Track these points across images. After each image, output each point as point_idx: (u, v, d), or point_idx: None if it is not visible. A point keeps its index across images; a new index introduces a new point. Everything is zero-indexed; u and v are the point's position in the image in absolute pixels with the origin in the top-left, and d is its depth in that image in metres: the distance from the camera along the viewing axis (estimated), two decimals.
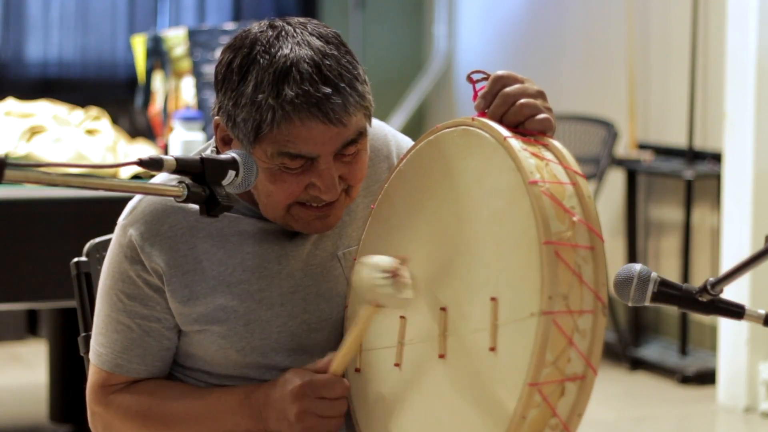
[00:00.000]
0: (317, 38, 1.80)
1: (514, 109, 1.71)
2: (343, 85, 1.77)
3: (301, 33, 1.80)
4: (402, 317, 1.78)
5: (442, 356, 1.69)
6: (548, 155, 1.66)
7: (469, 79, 1.78)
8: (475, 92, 1.76)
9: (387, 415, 1.79)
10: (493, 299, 1.61)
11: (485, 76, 1.77)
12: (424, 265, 1.75)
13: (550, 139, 1.70)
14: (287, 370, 1.85)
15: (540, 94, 1.74)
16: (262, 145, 1.79)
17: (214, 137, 1.91)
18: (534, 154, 1.64)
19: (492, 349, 1.60)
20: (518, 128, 1.70)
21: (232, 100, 1.80)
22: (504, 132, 1.67)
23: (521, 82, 1.74)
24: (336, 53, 1.79)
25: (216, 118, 1.86)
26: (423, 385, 1.73)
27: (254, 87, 1.77)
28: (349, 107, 1.78)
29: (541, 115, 1.71)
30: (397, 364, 1.78)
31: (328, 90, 1.76)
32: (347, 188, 1.85)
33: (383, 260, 1.72)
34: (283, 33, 1.80)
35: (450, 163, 1.75)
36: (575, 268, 1.57)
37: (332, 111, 1.76)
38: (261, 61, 1.78)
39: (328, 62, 1.77)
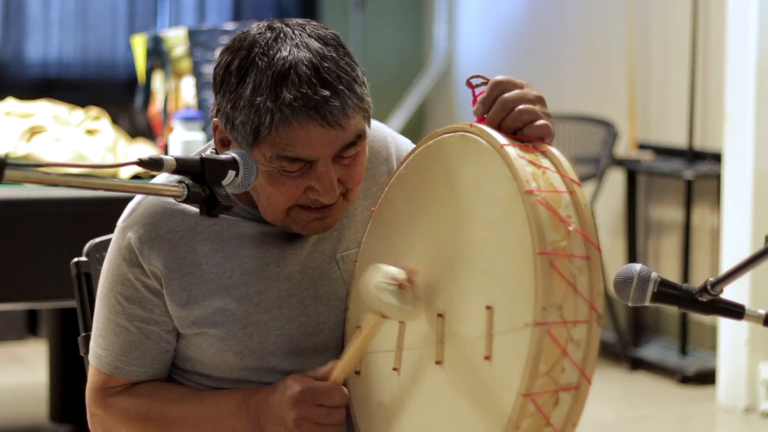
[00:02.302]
0: (316, 40, 1.79)
1: (512, 115, 1.70)
2: (341, 87, 1.77)
3: (300, 35, 1.80)
4: (401, 321, 1.78)
5: (438, 362, 1.69)
6: (545, 163, 1.65)
7: (468, 84, 1.77)
8: (474, 97, 1.76)
9: (385, 418, 1.79)
10: (488, 308, 1.61)
11: (484, 80, 1.76)
12: (423, 270, 1.75)
13: (548, 145, 1.69)
14: (288, 376, 1.85)
15: (539, 100, 1.73)
16: (260, 148, 1.78)
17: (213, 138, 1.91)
18: (531, 162, 1.63)
19: (487, 357, 1.59)
20: (516, 134, 1.70)
21: (231, 102, 1.79)
22: (501, 139, 1.66)
23: (520, 87, 1.73)
24: (334, 55, 1.79)
25: (214, 120, 1.86)
26: (420, 390, 1.73)
27: (252, 89, 1.77)
28: (348, 110, 1.77)
29: (540, 122, 1.70)
30: (395, 369, 1.78)
31: (327, 93, 1.75)
32: (346, 191, 1.84)
33: (391, 270, 1.71)
34: (282, 35, 1.80)
35: (449, 168, 1.75)
36: (570, 278, 1.56)
37: (330, 114, 1.76)
38: (259, 63, 1.77)
39: (326, 64, 1.77)
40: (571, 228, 1.59)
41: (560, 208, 1.59)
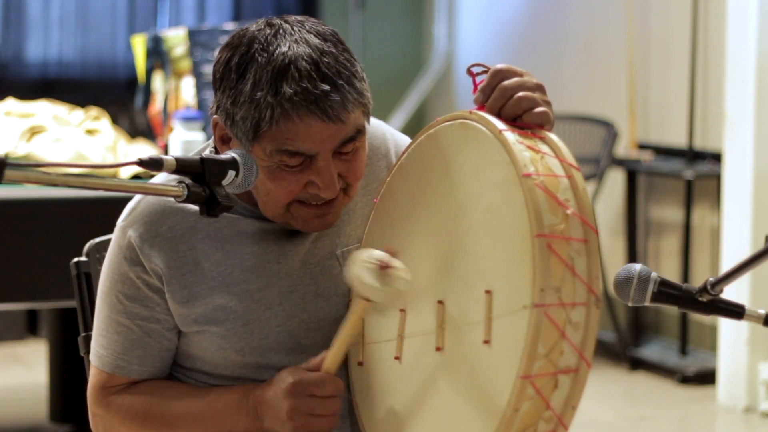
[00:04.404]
0: (315, 36, 1.80)
1: (511, 103, 1.71)
2: (341, 82, 1.77)
3: (299, 31, 1.80)
4: (402, 310, 1.79)
5: (439, 349, 1.70)
6: (544, 148, 1.66)
7: (469, 72, 1.78)
8: (475, 85, 1.77)
9: (387, 407, 1.80)
10: (487, 292, 1.61)
11: (485, 69, 1.77)
12: (424, 258, 1.76)
13: (548, 132, 1.70)
14: (282, 369, 1.85)
15: (539, 88, 1.74)
16: (261, 143, 1.78)
17: (213, 137, 1.91)
18: (529, 147, 1.64)
19: (486, 341, 1.60)
20: (516, 121, 1.70)
21: (231, 98, 1.80)
22: (500, 125, 1.67)
23: (520, 75, 1.74)
24: (334, 51, 1.79)
25: (214, 117, 1.86)
26: (422, 378, 1.73)
27: (252, 85, 1.77)
28: (348, 104, 1.78)
29: (539, 108, 1.71)
30: (397, 357, 1.79)
31: (327, 87, 1.76)
32: (346, 186, 1.85)
33: (372, 254, 1.72)
34: (281, 31, 1.80)
35: (449, 156, 1.76)
36: (568, 260, 1.57)
37: (331, 108, 1.76)
38: (259, 59, 1.78)
39: (326, 60, 1.78)
40: (569, 211, 1.59)
41: (558, 192, 1.60)
